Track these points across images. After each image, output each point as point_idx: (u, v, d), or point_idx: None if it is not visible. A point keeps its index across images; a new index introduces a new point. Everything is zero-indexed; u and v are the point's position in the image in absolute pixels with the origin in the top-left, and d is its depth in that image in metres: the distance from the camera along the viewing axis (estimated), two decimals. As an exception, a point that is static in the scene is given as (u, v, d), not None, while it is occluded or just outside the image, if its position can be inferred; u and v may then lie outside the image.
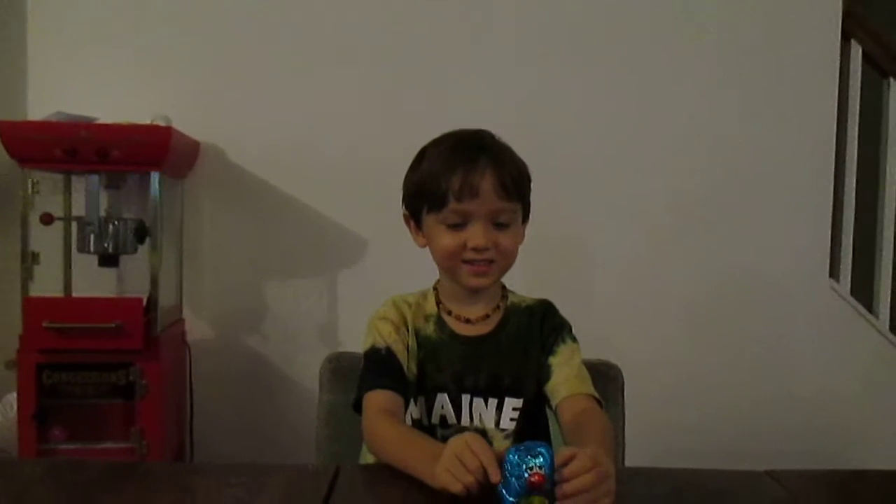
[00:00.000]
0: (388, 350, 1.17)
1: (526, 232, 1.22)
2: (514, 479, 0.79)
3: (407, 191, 1.21)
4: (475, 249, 1.13)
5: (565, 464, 0.81)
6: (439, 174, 1.13)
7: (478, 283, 1.17)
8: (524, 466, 0.79)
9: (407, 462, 0.98)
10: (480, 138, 1.17)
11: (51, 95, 2.37)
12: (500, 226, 1.14)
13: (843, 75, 2.56)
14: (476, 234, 1.13)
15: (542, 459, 0.79)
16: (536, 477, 0.78)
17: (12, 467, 1.15)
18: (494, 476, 0.82)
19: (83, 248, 2.18)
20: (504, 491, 0.80)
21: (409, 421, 1.18)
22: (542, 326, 1.23)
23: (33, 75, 2.44)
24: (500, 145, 1.18)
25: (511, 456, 0.80)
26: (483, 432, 1.18)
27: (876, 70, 2.59)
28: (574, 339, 1.23)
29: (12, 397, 2.16)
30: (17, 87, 2.42)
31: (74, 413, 2.11)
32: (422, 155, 1.20)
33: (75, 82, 2.43)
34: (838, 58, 2.54)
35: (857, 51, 2.55)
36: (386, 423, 1.07)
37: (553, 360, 1.20)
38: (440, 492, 0.88)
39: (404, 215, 1.23)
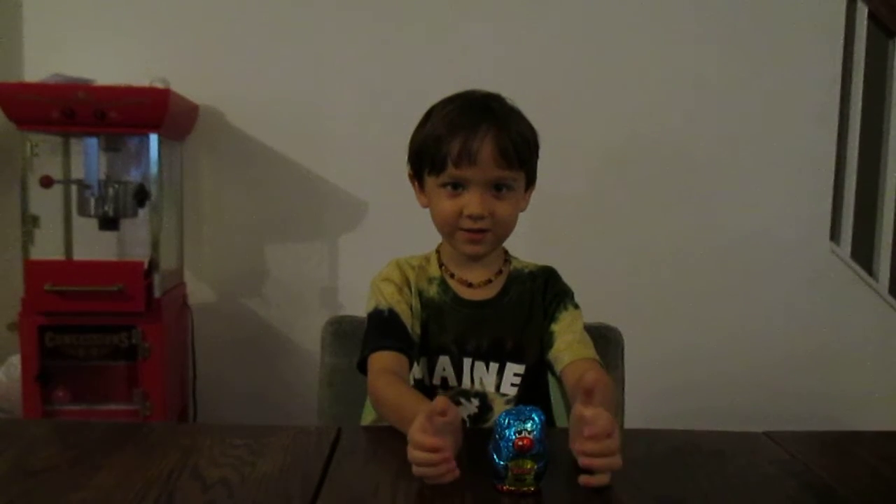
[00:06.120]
0: (391, 311, 1.17)
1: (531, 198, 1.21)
2: (504, 442, 0.80)
3: (411, 150, 1.20)
4: (471, 217, 1.13)
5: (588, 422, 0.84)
6: (440, 137, 1.12)
7: (472, 250, 1.17)
8: (514, 430, 0.79)
9: (399, 425, 0.99)
10: (486, 103, 1.15)
11: (48, 57, 2.35)
12: (499, 194, 1.14)
13: (848, 35, 2.53)
14: (472, 202, 1.12)
15: (531, 423, 0.80)
16: (525, 441, 0.79)
17: (17, 427, 1.15)
18: (442, 414, 0.82)
19: (83, 212, 2.18)
20: (495, 454, 0.81)
21: (411, 381, 1.19)
22: (544, 293, 1.23)
23: (30, 37, 2.41)
24: (507, 111, 1.15)
25: (502, 419, 0.81)
26: (483, 396, 1.19)
27: (882, 30, 2.56)
28: (576, 306, 1.23)
29: (16, 359, 2.18)
30: (13, 48, 2.39)
31: (78, 375, 2.13)
32: (428, 115, 1.19)
33: (72, 44, 2.40)
34: (844, 17, 2.51)
35: (862, 10, 2.52)
36: (385, 384, 1.08)
37: (555, 328, 1.20)
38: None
39: (409, 174, 1.23)
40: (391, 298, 1.18)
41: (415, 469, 0.83)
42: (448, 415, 0.83)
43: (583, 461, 0.83)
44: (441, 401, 0.83)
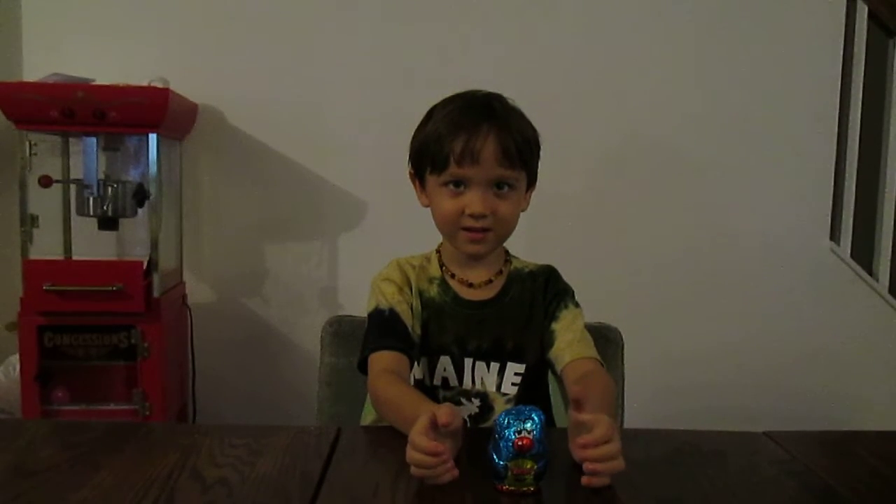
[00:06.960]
0: (392, 311, 1.17)
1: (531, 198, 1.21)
2: (503, 442, 0.80)
3: (412, 149, 1.20)
4: (473, 216, 1.13)
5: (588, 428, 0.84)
6: (443, 137, 1.12)
7: (474, 249, 1.17)
8: (514, 430, 0.79)
9: (400, 425, 0.99)
10: (488, 103, 1.15)
11: (47, 57, 2.35)
12: (501, 193, 1.14)
13: (848, 35, 2.52)
14: (474, 201, 1.12)
15: (531, 423, 0.80)
16: (524, 441, 0.79)
17: (16, 427, 1.15)
18: (443, 419, 0.83)
19: (82, 212, 2.18)
20: (495, 454, 0.81)
21: (411, 381, 1.19)
22: (544, 292, 1.23)
23: (29, 36, 2.41)
24: (508, 110, 1.16)
25: (501, 419, 0.81)
26: (484, 396, 1.19)
27: (882, 29, 2.56)
28: (577, 305, 1.23)
29: (15, 359, 2.18)
30: (12, 47, 2.38)
31: (77, 375, 2.12)
32: (430, 114, 1.19)
33: (71, 43, 2.40)
34: (844, 17, 2.51)
35: (862, 10, 2.52)
36: (385, 384, 1.08)
37: (556, 326, 1.20)
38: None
39: (410, 173, 1.23)
40: (392, 298, 1.18)
41: (413, 469, 0.84)
42: (452, 424, 0.83)
43: (586, 466, 0.83)
44: (446, 414, 0.83)
